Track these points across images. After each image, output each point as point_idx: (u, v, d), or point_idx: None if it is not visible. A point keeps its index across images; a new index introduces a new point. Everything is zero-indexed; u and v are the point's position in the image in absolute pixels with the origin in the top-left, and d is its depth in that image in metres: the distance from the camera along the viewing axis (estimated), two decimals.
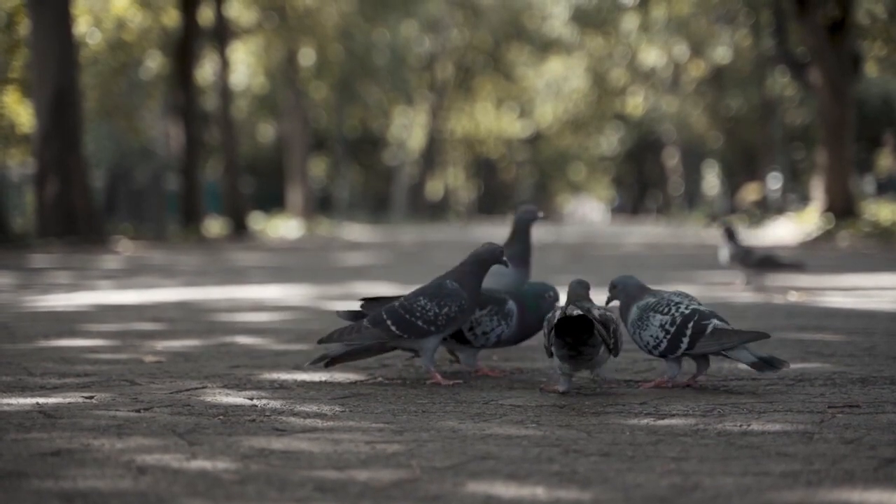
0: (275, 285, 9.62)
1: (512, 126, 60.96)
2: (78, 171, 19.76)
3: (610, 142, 65.44)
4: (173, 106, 29.05)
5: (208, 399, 3.67)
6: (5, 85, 24.38)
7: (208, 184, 33.23)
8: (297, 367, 4.41)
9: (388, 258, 15.63)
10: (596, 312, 3.62)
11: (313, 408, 3.50)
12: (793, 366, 4.32)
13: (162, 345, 5.21)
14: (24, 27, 21.98)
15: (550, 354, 3.70)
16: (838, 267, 12.15)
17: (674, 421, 3.24)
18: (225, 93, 30.05)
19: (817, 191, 23.91)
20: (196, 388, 3.89)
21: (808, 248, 18.01)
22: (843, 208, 22.46)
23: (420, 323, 3.93)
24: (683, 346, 3.75)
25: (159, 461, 2.72)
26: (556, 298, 4.19)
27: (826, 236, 20.55)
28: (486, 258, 4.08)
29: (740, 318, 6.14)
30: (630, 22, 38.92)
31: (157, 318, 6.61)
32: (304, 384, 4.00)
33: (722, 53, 40.25)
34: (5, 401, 3.63)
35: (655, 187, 67.53)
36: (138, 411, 3.43)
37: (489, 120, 59.90)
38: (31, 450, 2.85)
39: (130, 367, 4.43)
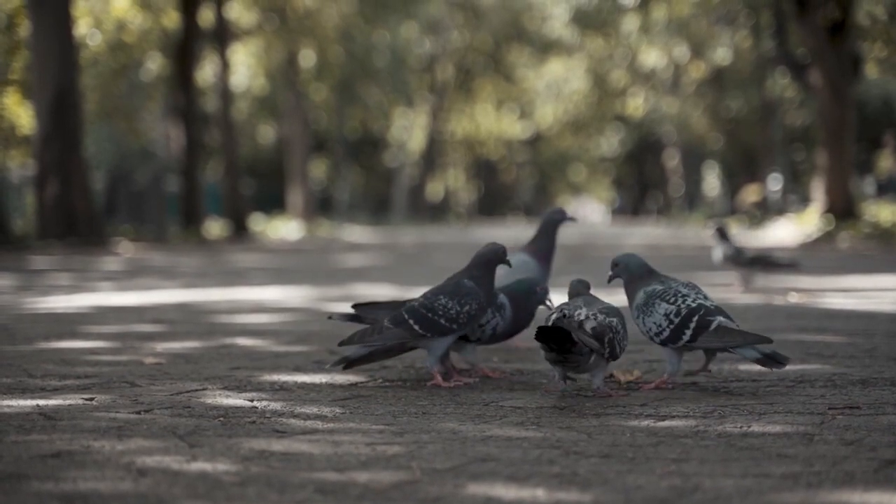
0: (275, 287, 9.62)
1: (512, 127, 60.96)
2: (78, 172, 19.76)
3: (610, 143, 65.45)
4: (173, 107, 29.04)
5: (208, 401, 3.67)
6: (5, 86, 24.38)
7: (209, 185, 33.24)
8: (298, 369, 4.42)
9: (389, 260, 15.62)
10: (591, 320, 3.60)
11: (314, 409, 3.50)
12: (793, 367, 4.32)
13: (162, 346, 5.21)
14: (24, 29, 21.98)
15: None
16: (838, 268, 12.15)
17: (674, 422, 3.23)
18: (225, 94, 30.06)
19: (817, 192, 23.91)
20: (196, 390, 3.89)
21: (808, 249, 18.01)
22: (843, 209, 22.46)
23: (443, 321, 3.95)
24: (685, 338, 3.75)
25: (159, 463, 2.72)
26: (547, 292, 4.23)
27: (826, 237, 20.55)
28: (490, 258, 4.11)
29: (741, 319, 6.13)
30: (630, 23, 38.91)
31: (157, 319, 6.61)
32: (304, 386, 4.00)
33: (722, 55, 40.25)
34: (5, 402, 3.63)
35: (656, 188, 67.55)
36: (138, 413, 3.43)
37: (489, 121, 59.90)
38: (32, 451, 2.85)
39: (131, 369, 4.43)
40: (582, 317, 3.61)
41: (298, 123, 39.85)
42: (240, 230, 28.41)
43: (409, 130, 54.33)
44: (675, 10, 34.48)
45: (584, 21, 43.99)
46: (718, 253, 8.39)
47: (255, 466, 2.69)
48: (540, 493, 2.44)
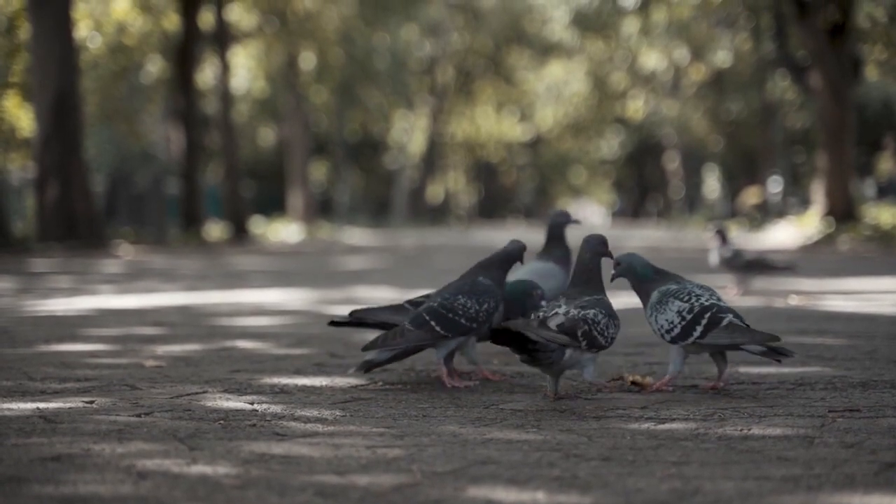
0: (275, 289, 9.62)
1: (512, 130, 60.95)
2: (78, 175, 19.77)
3: (610, 145, 65.42)
4: (174, 110, 29.05)
5: (209, 404, 3.67)
6: (6, 89, 24.40)
7: (209, 188, 33.24)
8: (298, 372, 4.42)
9: (389, 262, 15.62)
10: (558, 316, 3.58)
11: (314, 412, 3.50)
12: (793, 370, 4.33)
13: (162, 349, 5.21)
14: (24, 31, 21.99)
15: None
16: (839, 270, 12.15)
17: (674, 425, 3.23)
18: (225, 97, 30.06)
19: (818, 194, 23.91)
20: (196, 393, 3.89)
21: (808, 251, 18.01)
22: (843, 212, 22.45)
23: (463, 321, 3.98)
24: (696, 334, 3.76)
25: (160, 466, 2.72)
26: (543, 296, 4.25)
27: (826, 240, 20.55)
28: (514, 255, 4.19)
29: None
30: (630, 26, 38.91)
31: (157, 322, 6.61)
32: (304, 389, 4.00)
33: (722, 57, 40.26)
34: (6, 405, 3.63)
35: (656, 191, 67.51)
36: (139, 416, 3.43)
37: (490, 124, 59.90)
38: (32, 455, 2.85)
39: (131, 372, 4.43)
40: (550, 314, 3.62)
41: (299, 126, 39.85)
42: (240, 233, 28.40)
43: (409, 133, 54.33)
44: (675, 13, 34.49)
45: (585, 23, 44.00)
46: (715, 256, 8.39)
47: (256, 469, 2.69)
48: (540, 495, 2.44)
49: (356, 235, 33.37)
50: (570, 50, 50.86)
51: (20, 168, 26.43)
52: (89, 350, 5.25)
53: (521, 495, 2.44)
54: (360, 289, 9.62)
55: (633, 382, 3.94)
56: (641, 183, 71.48)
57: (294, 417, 3.41)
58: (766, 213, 35.18)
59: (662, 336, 3.86)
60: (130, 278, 11.85)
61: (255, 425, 3.27)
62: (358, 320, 4.27)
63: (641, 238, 27.90)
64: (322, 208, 46.55)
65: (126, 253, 18.78)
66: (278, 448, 2.94)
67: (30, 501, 2.42)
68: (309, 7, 34.76)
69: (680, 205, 54.67)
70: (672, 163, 56.26)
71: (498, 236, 29.10)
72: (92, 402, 3.68)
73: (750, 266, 8.35)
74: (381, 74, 43.24)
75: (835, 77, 22.84)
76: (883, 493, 2.44)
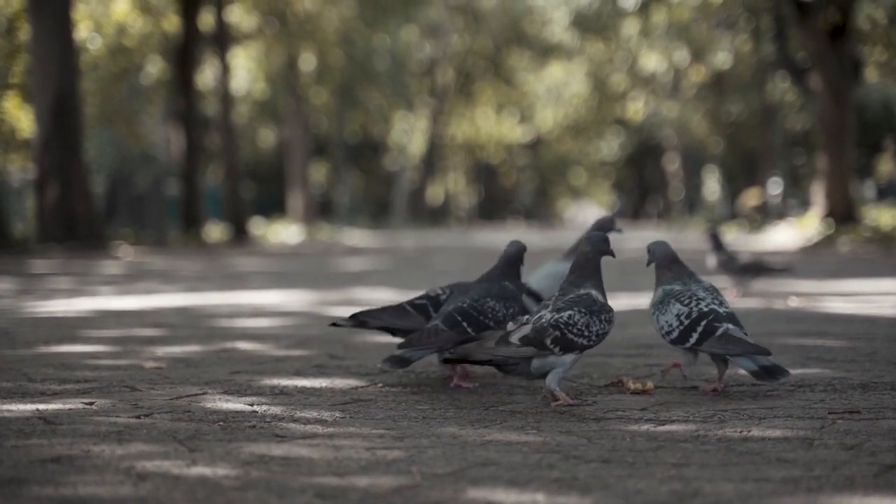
0: (275, 291, 9.62)
1: (512, 131, 60.95)
2: (78, 176, 19.77)
3: (610, 147, 65.43)
4: (174, 111, 29.05)
5: (208, 405, 3.67)
6: (6, 90, 24.40)
7: (209, 189, 33.25)
8: (298, 373, 4.42)
9: (389, 263, 15.63)
10: (522, 329, 3.58)
11: (314, 414, 3.50)
12: (794, 371, 4.32)
13: (162, 351, 5.21)
14: (24, 32, 21.99)
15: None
16: (839, 272, 12.15)
17: (674, 427, 3.23)
18: (225, 98, 30.07)
19: (818, 196, 23.90)
20: (196, 394, 3.89)
21: (808, 253, 18.00)
22: (843, 213, 22.45)
23: (492, 324, 4.02)
24: (692, 340, 3.79)
25: (159, 467, 2.72)
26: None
27: (826, 241, 20.55)
28: (518, 257, 4.21)
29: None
30: (630, 27, 38.90)
31: (157, 323, 6.61)
32: (304, 390, 4.00)
33: (722, 59, 40.26)
34: (5, 407, 3.63)
35: (656, 192, 67.52)
36: (138, 417, 3.43)
37: (490, 125, 59.90)
38: (31, 456, 2.85)
39: (131, 373, 4.43)
40: (517, 327, 3.62)
41: (299, 127, 39.86)
42: (240, 234, 28.40)
43: (409, 134, 54.34)
44: (675, 14, 34.48)
45: (585, 25, 44.01)
46: (713, 259, 8.39)
47: (255, 471, 2.69)
48: (540, 497, 2.44)
49: (356, 237, 33.37)
50: (570, 51, 50.87)
51: (20, 169, 26.44)
52: (89, 351, 5.25)
53: (521, 497, 2.44)
54: (359, 290, 9.62)
55: (633, 392, 3.91)
56: (641, 184, 71.50)
57: (294, 419, 3.41)
58: (766, 215, 35.18)
59: (663, 336, 3.88)
60: (130, 279, 11.85)
61: (254, 427, 3.27)
62: (360, 323, 4.28)
63: (642, 239, 27.86)
64: (322, 210, 46.55)
65: (126, 254, 18.78)
66: (278, 449, 2.94)
67: (29, 503, 2.41)
68: (309, 8, 34.77)
69: (680, 206, 54.67)
70: (672, 164, 56.27)
71: (498, 238, 29.09)
72: (92, 404, 3.68)
73: (746, 269, 8.35)
74: (381, 76, 43.24)
75: (835, 79, 22.85)
76: (883, 494, 2.44)
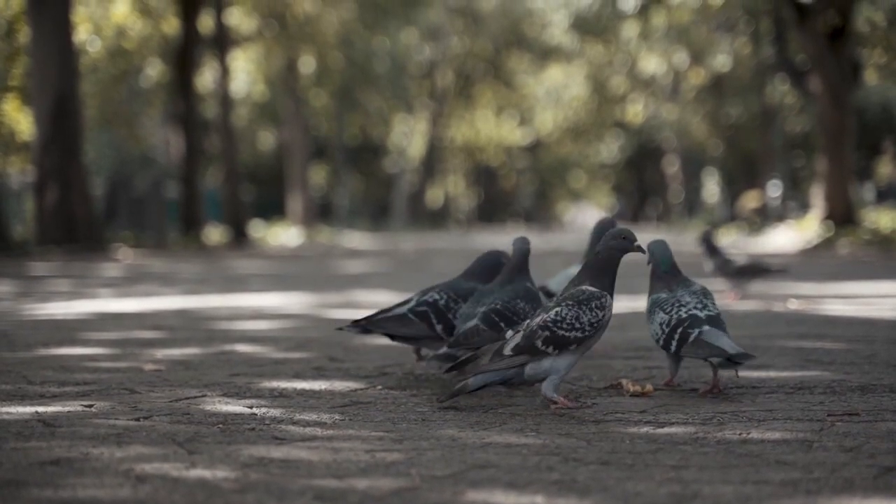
0: (275, 293, 9.62)
1: (512, 134, 60.98)
2: (78, 178, 19.77)
3: (610, 149, 65.44)
4: (173, 114, 29.06)
5: (208, 407, 3.67)
6: (5, 93, 24.40)
7: (208, 191, 33.25)
8: (297, 376, 4.42)
9: (389, 266, 15.63)
10: (514, 339, 3.57)
11: (313, 416, 3.50)
12: (792, 374, 4.33)
13: (162, 353, 5.21)
14: (24, 35, 22.00)
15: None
16: (838, 274, 12.15)
17: (673, 429, 3.23)
18: (225, 100, 30.07)
19: (817, 198, 23.90)
20: (196, 397, 3.89)
21: (807, 255, 18.01)
22: (843, 216, 22.45)
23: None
24: (673, 347, 3.88)
25: (158, 470, 2.72)
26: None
27: (826, 244, 20.55)
28: (527, 254, 4.28)
29: (740, 327, 6.14)
30: (630, 30, 38.94)
31: (156, 326, 6.61)
32: (303, 392, 4.00)
33: (722, 61, 40.27)
34: (4, 409, 3.63)
35: (655, 195, 67.53)
36: (138, 420, 3.43)
37: (489, 127, 59.93)
38: (31, 458, 2.85)
39: (130, 376, 4.43)
40: (509, 338, 3.62)
41: (298, 130, 39.86)
42: (239, 236, 28.41)
43: (408, 136, 54.35)
44: (674, 17, 34.51)
45: (584, 27, 44.03)
46: (709, 264, 8.40)
47: (255, 473, 2.69)
48: (539, 499, 2.44)
49: (356, 239, 33.37)
50: (569, 54, 50.90)
51: (20, 171, 26.43)
52: (88, 354, 5.25)
53: (521, 499, 2.44)
54: (359, 292, 9.62)
55: (632, 394, 3.91)
56: (641, 187, 71.51)
57: (293, 421, 3.41)
58: (765, 217, 35.17)
59: (656, 342, 3.97)
60: (130, 282, 11.85)
61: (254, 429, 3.27)
62: (365, 329, 4.32)
63: (641, 241, 27.82)
64: (321, 212, 46.55)
65: (125, 256, 18.78)
66: (277, 452, 2.94)
67: None
68: (308, 11, 34.77)
69: (679, 208, 54.69)
70: (672, 167, 56.28)
71: (498, 240, 29.09)
72: (91, 406, 3.68)
73: (742, 271, 8.36)
74: (381, 78, 43.24)
75: (834, 81, 22.85)
76: (881, 496, 2.44)
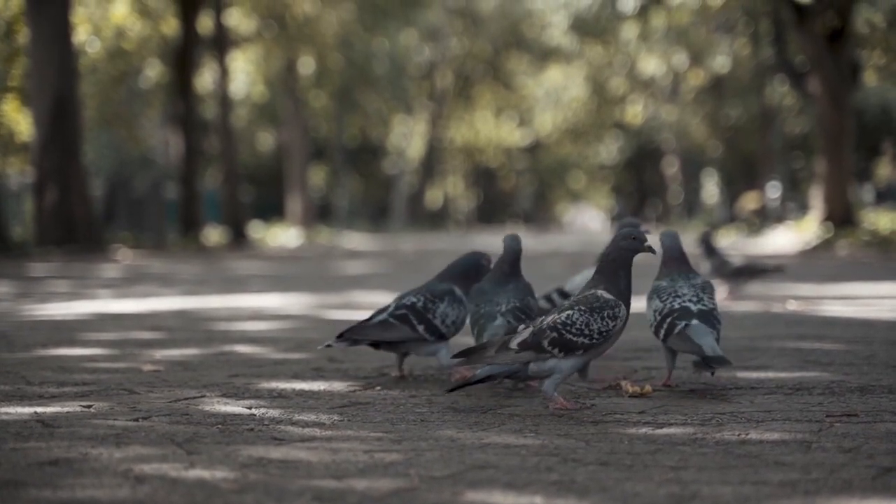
0: (274, 294, 9.62)
1: (511, 135, 60.99)
2: (77, 179, 19.77)
3: (609, 150, 65.42)
4: (173, 115, 29.06)
5: (207, 408, 3.67)
6: (5, 93, 24.40)
7: (208, 192, 33.23)
8: (296, 376, 4.42)
9: (388, 267, 15.63)
10: (521, 334, 3.57)
11: (312, 417, 3.50)
12: (791, 375, 4.33)
13: (161, 354, 5.21)
14: (23, 36, 21.99)
15: None
16: (837, 275, 12.16)
17: (672, 430, 3.23)
18: (224, 101, 30.06)
19: (816, 200, 23.91)
20: (195, 397, 3.89)
21: (807, 256, 18.01)
22: (842, 217, 22.46)
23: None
24: (661, 336, 3.96)
25: (157, 470, 2.72)
26: (491, 263, 4.47)
27: (825, 245, 20.55)
28: (520, 252, 4.36)
29: (739, 328, 6.14)
30: (629, 31, 38.93)
31: (155, 326, 6.60)
32: (302, 393, 4.00)
33: (721, 62, 40.27)
34: (3, 410, 3.63)
35: (655, 196, 67.48)
36: (137, 420, 3.43)
37: (489, 129, 59.94)
38: (29, 459, 2.85)
39: (129, 376, 4.43)
40: (519, 331, 3.65)
41: (297, 130, 39.86)
42: (239, 237, 28.40)
43: (408, 138, 54.35)
44: (674, 18, 34.50)
45: (584, 28, 44.03)
46: (706, 265, 8.41)
47: (254, 474, 2.69)
48: (538, 500, 2.44)
49: (355, 240, 33.37)
50: (569, 55, 50.90)
51: (19, 172, 26.42)
52: (87, 354, 5.25)
53: (519, 499, 2.44)
54: (358, 293, 9.62)
55: (631, 395, 3.90)
56: (640, 188, 71.46)
57: (292, 422, 3.41)
58: (764, 219, 35.17)
59: (651, 327, 4.05)
60: (129, 283, 11.85)
61: (253, 430, 3.27)
62: (353, 342, 4.27)
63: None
64: (321, 213, 46.56)
65: (124, 257, 18.77)
66: (276, 452, 2.94)
67: None
68: (308, 12, 34.77)
69: (679, 210, 54.66)
70: (671, 168, 56.27)
71: (497, 241, 29.12)
72: (90, 407, 3.68)
73: (739, 272, 8.37)
74: (381, 79, 43.26)
75: (834, 82, 22.86)
76: (880, 497, 2.44)
